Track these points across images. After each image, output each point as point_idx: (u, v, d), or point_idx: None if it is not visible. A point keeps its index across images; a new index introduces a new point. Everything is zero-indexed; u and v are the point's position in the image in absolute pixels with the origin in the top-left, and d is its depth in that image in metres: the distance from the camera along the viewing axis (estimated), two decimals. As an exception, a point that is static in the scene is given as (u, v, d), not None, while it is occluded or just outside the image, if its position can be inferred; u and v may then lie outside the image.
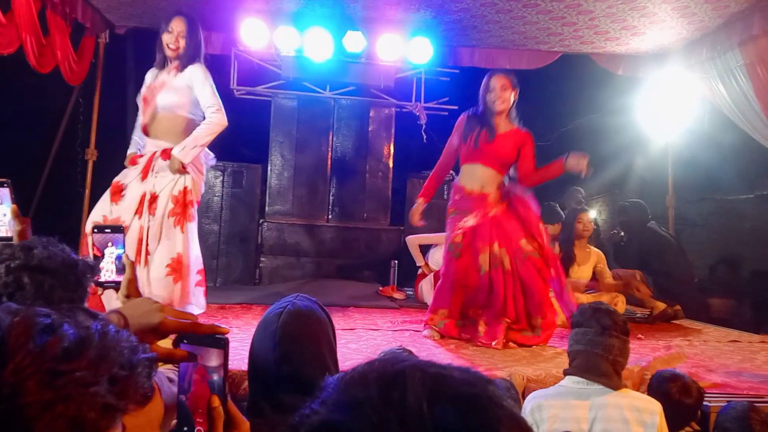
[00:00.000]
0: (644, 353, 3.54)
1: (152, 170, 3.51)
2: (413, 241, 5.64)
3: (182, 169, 3.46)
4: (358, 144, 6.60)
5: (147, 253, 3.43)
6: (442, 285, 3.90)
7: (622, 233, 5.79)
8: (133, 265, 1.19)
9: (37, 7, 4.34)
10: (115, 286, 1.27)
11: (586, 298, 4.52)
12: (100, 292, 1.29)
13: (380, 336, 3.90)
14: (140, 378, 0.64)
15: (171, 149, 3.51)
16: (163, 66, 3.70)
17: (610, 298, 4.67)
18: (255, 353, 1.46)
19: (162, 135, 3.58)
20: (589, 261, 4.97)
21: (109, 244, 1.32)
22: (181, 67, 3.62)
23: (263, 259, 6.25)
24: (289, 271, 6.25)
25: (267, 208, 6.38)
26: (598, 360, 2.07)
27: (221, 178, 6.28)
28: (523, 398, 2.46)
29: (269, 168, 6.43)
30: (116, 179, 3.59)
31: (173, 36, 3.61)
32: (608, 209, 9.04)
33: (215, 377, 0.86)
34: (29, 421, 0.54)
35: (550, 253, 3.80)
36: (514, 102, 3.88)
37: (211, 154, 3.85)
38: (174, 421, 0.86)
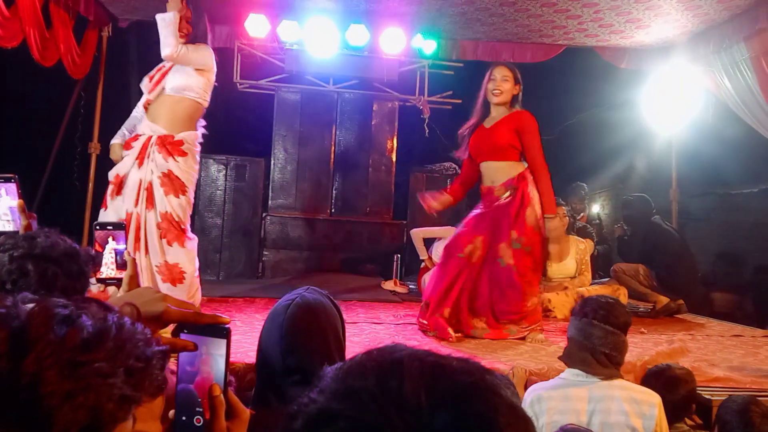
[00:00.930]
0: (647, 347, 3.54)
1: (148, 157, 3.43)
2: (418, 234, 5.65)
3: None
4: (361, 138, 6.60)
5: (146, 240, 3.42)
6: (434, 272, 3.92)
7: (626, 227, 5.78)
8: (134, 261, 1.20)
9: (40, 1, 4.34)
10: (117, 282, 1.28)
11: (599, 291, 4.54)
12: (101, 289, 1.29)
13: (383, 329, 3.90)
14: (154, 370, 0.65)
15: (167, 135, 3.46)
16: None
17: (612, 290, 4.66)
18: (263, 344, 1.47)
19: (162, 117, 3.50)
20: (571, 253, 4.92)
21: (111, 240, 1.33)
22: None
23: (266, 252, 6.26)
24: (291, 264, 6.26)
25: (270, 202, 6.39)
26: (578, 348, 2.08)
27: (224, 171, 6.28)
28: (524, 391, 2.47)
29: (272, 162, 6.43)
30: (114, 173, 3.52)
31: (182, 21, 3.59)
32: (612, 203, 9.03)
33: (216, 367, 0.87)
34: (50, 410, 0.54)
35: (537, 254, 3.76)
36: (517, 96, 3.82)
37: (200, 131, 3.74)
38: (172, 411, 0.87)
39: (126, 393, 0.59)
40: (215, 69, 3.67)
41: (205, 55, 3.60)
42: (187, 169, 3.48)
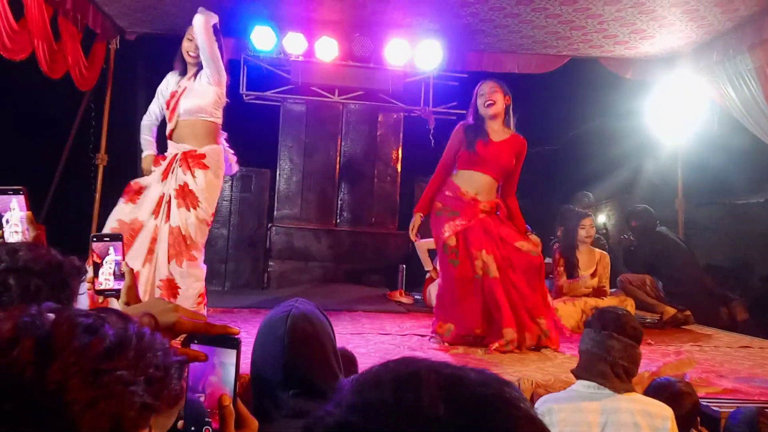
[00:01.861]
0: (654, 358, 3.52)
1: (172, 172, 3.50)
2: (422, 245, 5.64)
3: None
4: (366, 148, 6.62)
5: (157, 253, 3.44)
6: (443, 294, 3.83)
7: (632, 238, 5.76)
8: (132, 272, 1.20)
9: (49, 14, 4.38)
10: (115, 293, 1.29)
11: (606, 302, 4.52)
12: (100, 300, 1.29)
13: (388, 340, 3.89)
14: (173, 379, 0.66)
15: (191, 150, 3.53)
16: (184, 73, 3.73)
17: (619, 301, 4.65)
18: (260, 358, 1.45)
19: (186, 138, 3.59)
20: (593, 265, 4.92)
21: (109, 251, 1.33)
22: (199, 73, 3.65)
23: (272, 263, 6.26)
24: (297, 275, 6.26)
25: (276, 213, 6.40)
26: (596, 360, 2.06)
27: (230, 182, 6.30)
28: (531, 403, 2.46)
29: (278, 172, 6.45)
30: (135, 180, 3.57)
31: (192, 44, 3.62)
32: (617, 213, 9.00)
33: (226, 377, 0.87)
34: (74, 417, 0.55)
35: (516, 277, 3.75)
36: (507, 108, 3.84)
37: (234, 158, 3.85)
38: (180, 422, 0.87)
39: (146, 401, 0.60)
40: (226, 84, 3.70)
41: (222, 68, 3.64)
42: (204, 183, 3.48)
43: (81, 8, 4.87)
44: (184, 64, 3.71)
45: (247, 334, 3.73)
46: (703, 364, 3.52)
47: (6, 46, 3.96)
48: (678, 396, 2.34)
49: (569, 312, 4.68)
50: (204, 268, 3.55)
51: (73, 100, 5.69)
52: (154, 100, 3.80)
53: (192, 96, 3.59)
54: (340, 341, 1.63)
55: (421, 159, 7.05)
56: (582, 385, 2.10)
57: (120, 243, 1.36)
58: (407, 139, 6.70)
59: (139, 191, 3.49)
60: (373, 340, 3.84)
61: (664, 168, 6.62)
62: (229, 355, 0.88)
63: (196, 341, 0.89)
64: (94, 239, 1.35)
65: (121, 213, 3.47)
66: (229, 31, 5.71)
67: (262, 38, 5.67)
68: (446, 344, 3.75)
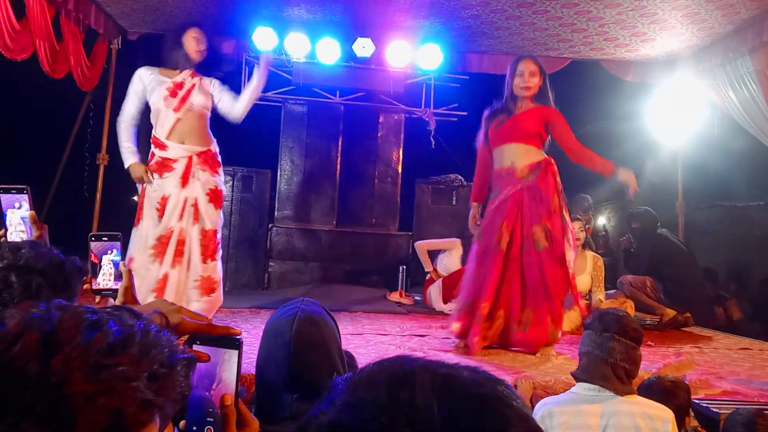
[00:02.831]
0: (654, 360, 3.52)
1: (193, 176, 3.59)
2: (422, 246, 5.65)
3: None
4: (367, 149, 6.63)
5: (188, 254, 3.57)
6: (467, 273, 3.73)
7: (632, 240, 5.76)
8: (129, 273, 1.21)
9: (51, 14, 4.39)
10: (113, 293, 1.29)
11: (604, 304, 4.51)
12: (97, 300, 1.30)
13: (388, 341, 3.90)
14: (179, 376, 0.66)
15: (205, 151, 3.64)
16: (175, 67, 3.72)
17: (618, 303, 4.64)
18: (265, 361, 1.46)
19: (190, 135, 3.64)
20: (587, 269, 4.91)
21: (108, 252, 1.33)
22: (201, 74, 3.75)
23: (272, 263, 6.27)
24: (297, 275, 6.27)
25: (276, 213, 6.41)
26: (598, 362, 2.06)
27: (231, 182, 6.31)
28: (531, 405, 2.46)
29: (279, 173, 6.46)
30: (160, 195, 3.58)
31: (203, 46, 3.72)
32: (617, 216, 9.00)
33: (228, 377, 0.88)
34: (74, 410, 0.56)
35: (559, 248, 3.50)
36: (543, 87, 3.71)
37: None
38: (182, 422, 0.87)
39: (149, 397, 0.61)
40: None
41: None
42: (223, 181, 3.74)
43: (83, 8, 4.88)
44: (182, 59, 3.70)
45: (248, 334, 3.74)
46: (703, 366, 3.53)
47: (8, 46, 3.97)
48: (667, 391, 2.34)
49: (568, 315, 4.68)
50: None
51: (75, 100, 5.71)
52: (130, 101, 3.70)
53: (201, 93, 3.69)
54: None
55: (422, 160, 7.06)
56: (583, 388, 2.10)
57: (118, 243, 1.36)
58: (408, 141, 6.71)
59: (165, 204, 3.56)
60: (373, 341, 3.85)
61: (665, 170, 6.62)
62: (231, 356, 0.88)
63: (198, 342, 0.89)
64: (92, 239, 1.35)
65: (156, 228, 3.56)
66: (230, 31, 5.73)
67: (263, 39, 5.67)
68: (463, 349, 3.58)
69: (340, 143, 6.57)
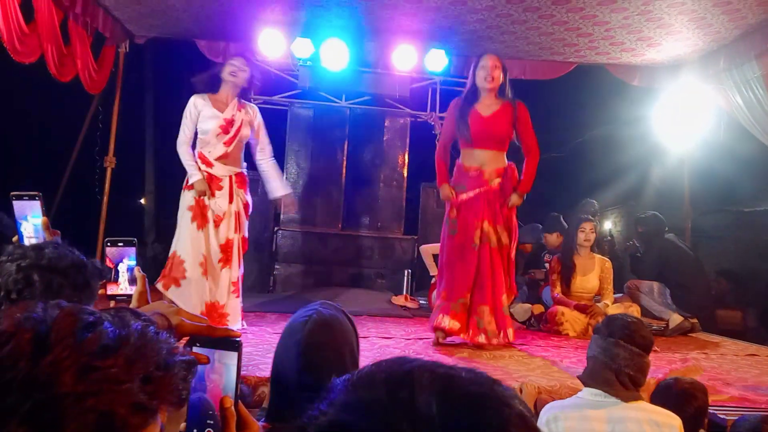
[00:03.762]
0: (660, 366, 3.50)
1: (236, 194, 4.07)
2: (427, 250, 5.65)
3: None
4: (372, 153, 6.63)
5: (235, 260, 4.01)
6: (441, 265, 4.02)
7: (639, 244, 5.74)
8: (144, 278, 1.22)
9: (59, 17, 4.42)
10: (127, 299, 1.30)
11: (612, 309, 4.50)
12: (112, 305, 1.30)
13: (393, 344, 3.90)
14: (176, 379, 0.65)
15: (240, 173, 4.13)
16: (215, 91, 4.01)
17: (624, 308, 4.62)
18: (279, 360, 1.47)
19: (234, 162, 4.10)
20: (594, 270, 4.89)
21: (123, 257, 1.34)
22: (240, 101, 4.06)
23: (277, 266, 6.28)
24: (302, 278, 6.27)
25: (282, 216, 6.41)
26: (601, 367, 2.04)
27: (237, 186, 6.32)
28: (535, 409, 2.44)
29: (285, 176, 6.46)
30: (221, 211, 3.99)
31: (243, 73, 3.99)
32: (624, 220, 8.98)
33: (228, 379, 0.88)
34: (61, 411, 0.56)
35: (507, 248, 3.86)
36: (504, 82, 3.90)
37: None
38: (183, 424, 0.87)
39: (140, 400, 0.60)
40: None
41: None
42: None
43: (91, 12, 4.92)
44: (218, 83, 4.00)
45: (254, 336, 3.75)
46: (710, 372, 3.51)
47: (16, 49, 3.99)
48: (686, 393, 2.32)
49: (575, 317, 4.67)
50: None
51: (82, 103, 5.74)
52: (186, 126, 4.01)
53: (247, 126, 4.10)
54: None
55: (428, 164, 7.04)
56: (588, 393, 2.08)
57: (134, 248, 1.36)
58: (414, 144, 6.71)
59: (222, 218, 3.99)
60: (378, 344, 3.85)
61: (671, 175, 6.61)
62: (231, 358, 0.88)
63: (198, 344, 0.89)
64: (108, 244, 1.35)
65: (207, 241, 3.95)
66: (237, 35, 5.75)
67: (270, 43, 5.70)
68: (443, 336, 3.84)
69: (345, 147, 6.58)
